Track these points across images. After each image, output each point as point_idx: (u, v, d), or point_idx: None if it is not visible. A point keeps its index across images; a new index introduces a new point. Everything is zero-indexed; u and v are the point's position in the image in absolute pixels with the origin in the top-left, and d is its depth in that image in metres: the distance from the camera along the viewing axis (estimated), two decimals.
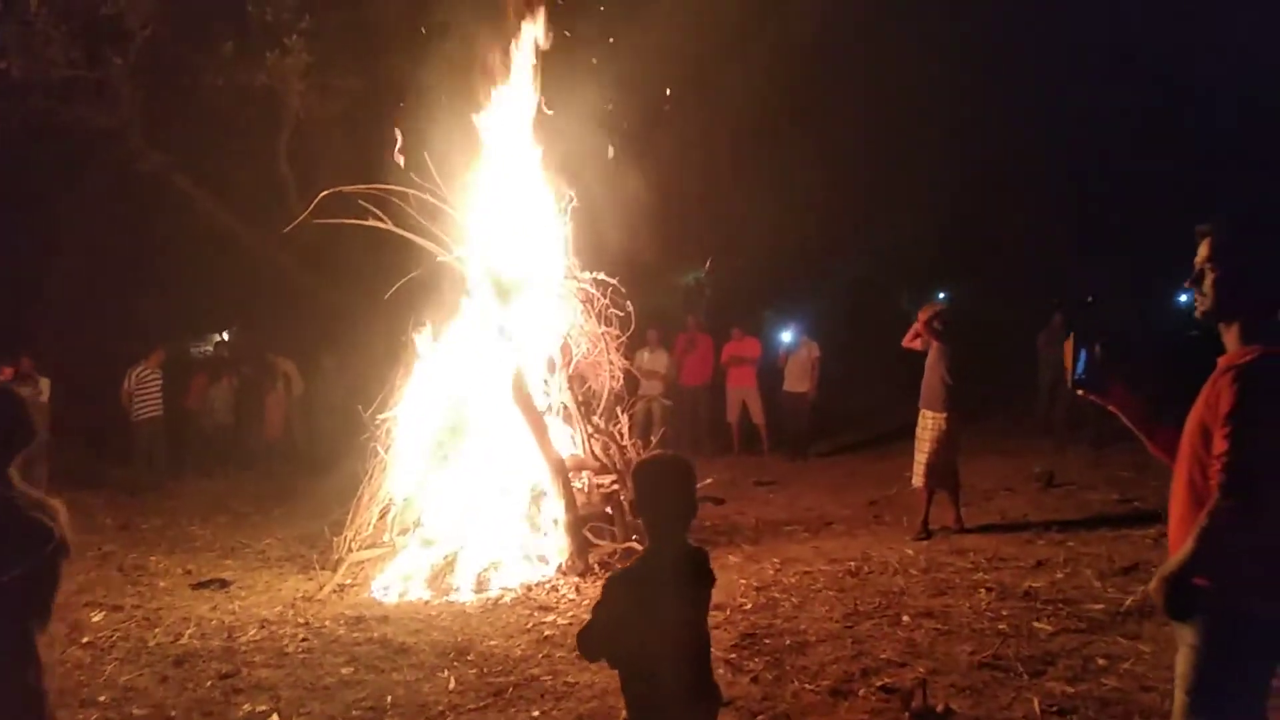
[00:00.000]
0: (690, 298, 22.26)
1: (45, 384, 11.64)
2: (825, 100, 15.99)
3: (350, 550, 6.90)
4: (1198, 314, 2.66)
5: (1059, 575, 6.04)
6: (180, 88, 12.69)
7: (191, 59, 12.36)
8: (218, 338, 23.82)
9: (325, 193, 7.51)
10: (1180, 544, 2.53)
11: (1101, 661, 4.52)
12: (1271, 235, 2.56)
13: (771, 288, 19.67)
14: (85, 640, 5.48)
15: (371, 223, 7.50)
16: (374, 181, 7.73)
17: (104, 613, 6.04)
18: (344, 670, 4.89)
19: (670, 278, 22.30)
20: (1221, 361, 2.58)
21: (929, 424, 7.46)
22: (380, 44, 12.13)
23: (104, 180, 14.07)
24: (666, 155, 13.22)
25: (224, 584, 6.79)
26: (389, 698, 4.49)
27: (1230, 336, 2.58)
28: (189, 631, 5.62)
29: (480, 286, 7.34)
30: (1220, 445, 2.42)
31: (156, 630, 5.68)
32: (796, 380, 12.22)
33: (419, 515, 6.95)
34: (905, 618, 5.34)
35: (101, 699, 4.57)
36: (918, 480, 7.54)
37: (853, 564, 6.57)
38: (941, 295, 26.08)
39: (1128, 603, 5.30)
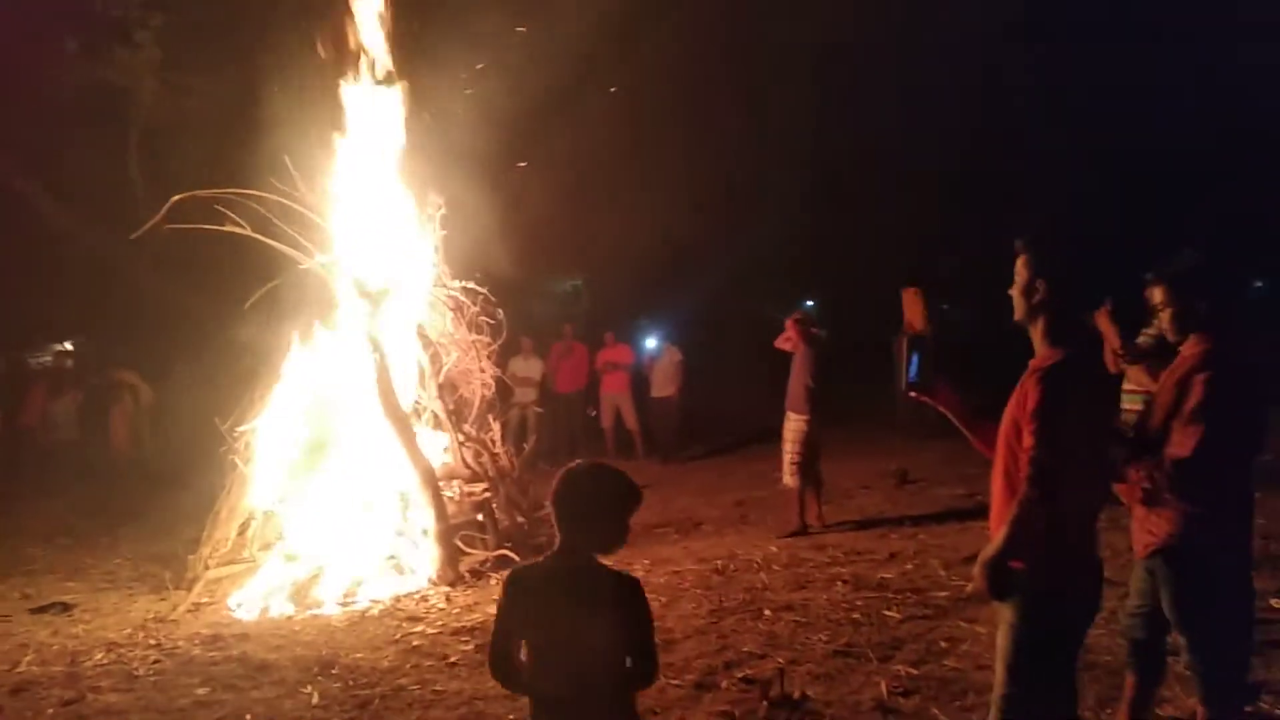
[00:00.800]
0: (567, 305, 22.38)
1: None
2: (693, 112, 16.41)
3: (207, 567, 6.63)
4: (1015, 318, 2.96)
5: (909, 566, 6.42)
6: (22, 85, 11.89)
7: (33, 55, 11.61)
8: (59, 348, 22.36)
9: (177, 197, 7.20)
10: (998, 530, 2.79)
11: (944, 644, 4.85)
12: (1068, 247, 2.88)
13: (645, 295, 19.99)
14: None
15: (229, 228, 7.23)
16: (231, 183, 7.48)
17: None
18: (199, 691, 4.72)
19: (547, 286, 22.39)
20: (1032, 363, 2.86)
21: (793, 425, 7.77)
22: (237, 43, 11.72)
23: None
24: (545, 165, 13.32)
25: (66, 607, 6.40)
26: (248, 716, 4.36)
27: (1036, 338, 2.87)
28: (27, 659, 5.29)
29: (345, 293, 7.19)
30: (1027, 441, 2.69)
31: None
32: (662, 385, 12.51)
33: (281, 529, 6.74)
34: (767, 611, 5.56)
35: None
36: (789, 480, 7.81)
37: (719, 562, 6.78)
38: (808, 303, 27.15)
39: (968, 589, 5.68)
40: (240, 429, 7.11)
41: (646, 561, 6.93)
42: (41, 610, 6.36)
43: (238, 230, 7.15)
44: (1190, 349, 3.34)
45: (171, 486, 11.33)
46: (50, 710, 4.52)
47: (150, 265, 13.33)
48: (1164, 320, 3.44)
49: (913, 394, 3.11)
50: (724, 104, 16.44)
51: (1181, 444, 3.08)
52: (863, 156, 17.99)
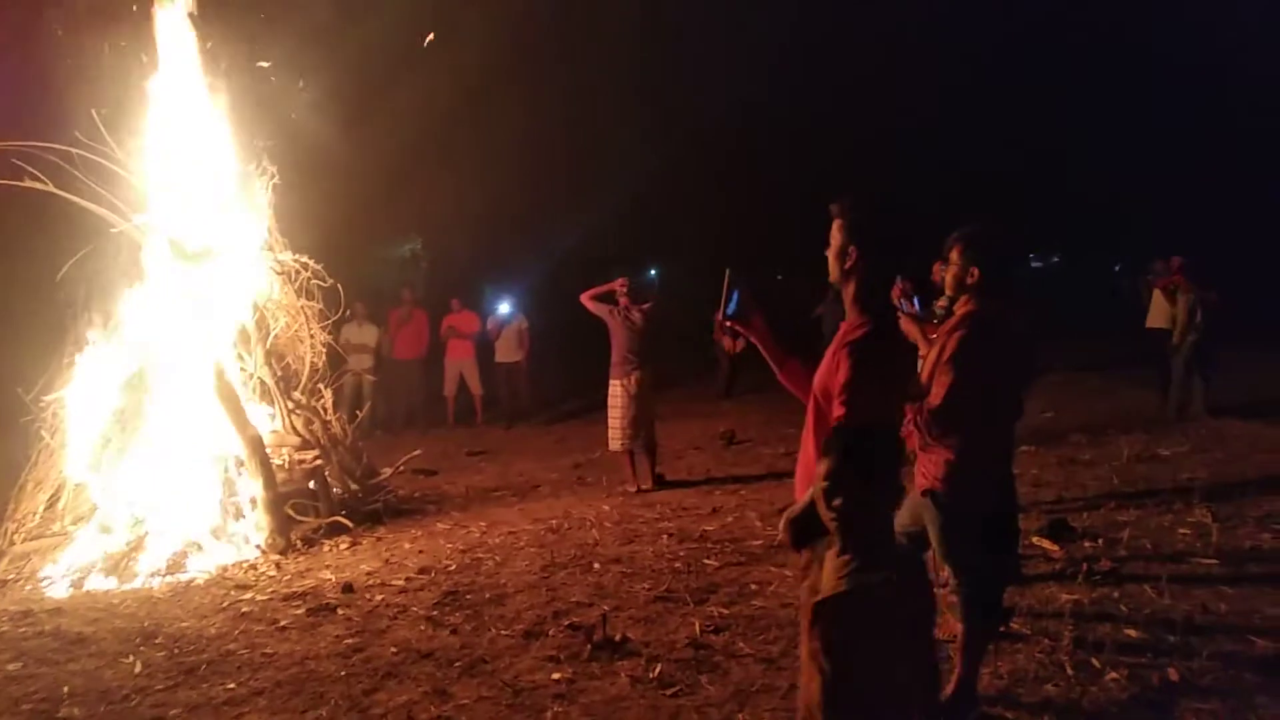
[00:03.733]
0: (406, 270, 21.90)
1: None
2: (537, 73, 16.37)
3: (13, 543, 6.29)
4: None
5: (729, 519, 6.90)
6: None
7: None
8: None
9: None
10: (805, 486, 3.03)
11: (754, 587, 5.30)
12: (883, 216, 3.06)
13: (490, 261, 19.90)
14: None
15: (29, 184, 6.78)
16: (32, 135, 6.98)
17: None
18: (10, 666, 4.55)
19: (384, 250, 21.83)
20: (842, 328, 2.99)
21: (618, 390, 8.02)
22: None
23: None
24: (381, 126, 12.98)
25: None
26: (65, 688, 4.26)
27: (847, 302, 2.97)
28: None
29: (162, 254, 6.90)
30: (838, 411, 2.91)
31: None
32: (508, 351, 12.62)
33: (95, 501, 6.47)
34: (596, 565, 5.87)
35: None
36: (618, 444, 8.08)
37: (554, 522, 7.04)
38: (653, 272, 27.64)
39: (779, 539, 6.19)
40: (46, 398, 6.74)
41: (483, 524, 7.11)
42: None
43: (39, 187, 6.71)
44: (960, 309, 3.80)
45: None
46: None
47: None
48: (946, 279, 3.87)
49: (729, 323, 3.27)
50: (562, 68, 16.48)
51: (935, 393, 3.53)
52: (706, 125, 18.50)
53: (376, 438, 11.11)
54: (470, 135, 15.53)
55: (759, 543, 6.21)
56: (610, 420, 8.05)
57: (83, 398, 6.69)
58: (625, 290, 8.05)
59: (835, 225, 2.96)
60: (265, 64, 7.30)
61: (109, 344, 6.81)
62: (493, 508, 7.86)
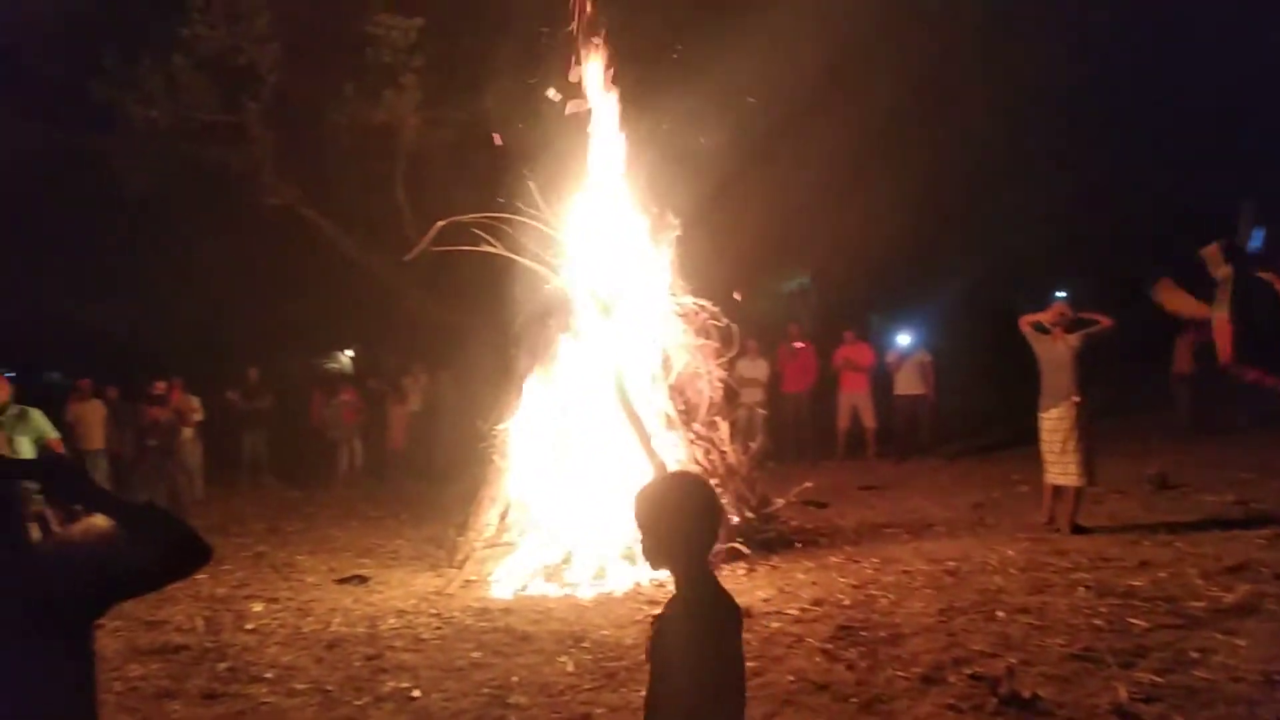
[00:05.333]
0: (794, 304, 22.39)
1: (196, 402, 12.86)
2: (937, 99, 15.88)
3: (474, 550, 7.47)
4: None
5: (1162, 575, 6.07)
6: (306, 127, 13.74)
7: (316, 100, 13.39)
8: (344, 355, 25.45)
9: (441, 223, 8.18)
10: None
11: (1195, 655, 4.62)
12: None
13: (879, 292, 19.61)
14: (249, 627, 6.20)
15: (483, 249, 8.10)
16: (482, 206, 8.36)
17: (263, 604, 6.78)
18: (474, 654, 5.42)
19: (773, 284, 22.47)
20: None
21: (1048, 423, 7.51)
22: (484, 76, 12.84)
23: (237, 213, 15.33)
24: (777, 164, 13.54)
25: (363, 579, 7.47)
26: (514, 678, 4.98)
27: None
28: (336, 620, 6.28)
29: (585, 305, 7.85)
30: None
31: (308, 619, 6.36)
32: (911, 384, 12.35)
33: (535, 517, 7.46)
34: (1000, 613, 5.51)
35: (268, 675, 5.23)
36: (1079, 479, 7.49)
37: (952, 563, 6.73)
38: (1059, 295, 25.32)
39: (1229, 600, 5.34)
40: (496, 428, 7.95)
41: (876, 560, 7.01)
42: (344, 581, 7.46)
43: (491, 250, 8.00)
44: None
45: (438, 479, 12.75)
46: (357, 662, 5.38)
47: (415, 283, 14.91)
48: None
49: (1259, 270, 2.84)
50: (971, 94, 15.75)
51: None
52: (1112, 142, 16.68)
53: (768, 469, 11.45)
54: (869, 166, 15.46)
55: (1201, 604, 5.39)
56: (1043, 452, 7.61)
57: (524, 427, 7.79)
58: (1058, 318, 7.57)
59: None
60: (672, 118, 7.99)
61: (544, 382, 7.86)
62: (885, 544, 7.72)
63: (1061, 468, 7.53)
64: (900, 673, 4.70)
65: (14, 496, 2.00)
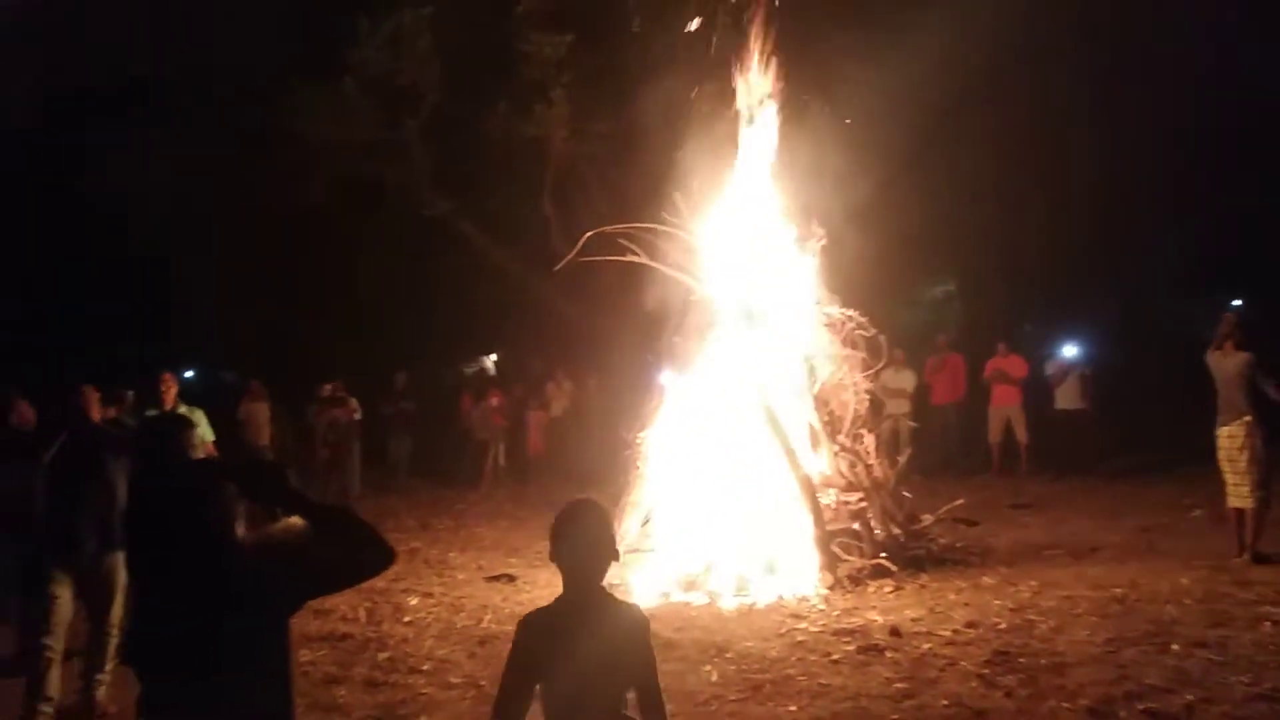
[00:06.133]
0: (939, 312, 21.62)
1: (354, 404, 13.61)
2: (1098, 106, 15.05)
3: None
4: None
5: None
6: (463, 142, 14.35)
7: (470, 116, 13.96)
8: (488, 360, 26.40)
9: (590, 233, 8.35)
10: None
11: None
12: None
13: (1030, 302, 18.71)
14: (407, 620, 6.51)
15: (629, 258, 8.22)
16: (626, 216, 8.49)
17: (418, 598, 7.10)
18: None
19: (916, 291, 21.78)
20: None
21: (1222, 441, 7.05)
22: (630, 88, 13.05)
23: (398, 222, 16.16)
24: (922, 172, 13.18)
25: (511, 578, 7.71)
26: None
27: None
28: (487, 617, 6.51)
29: (730, 315, 7.85)
30: None
31: (460, 614, 6.62)
32: (1072, 398, 11.77)
33: (676, 526, 7.50)
34: (1175, 646, 5.16)
35: (425, 668, 5.47)
36: (1252, 501, 7.04)
37: (1119, 591, 6.36)
38: (1235, 303, 23.45)
39: None
40: (639, 436, 8.04)
41: (1033, 583, 6.69)
42: (494, 579, 7.73)
43: (637, 260, 8.11)
44: None
45: (581, 483, 13.00)
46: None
47: (560, 290, 15.30)
48: None
49: None
50: (1136, 101, 14.81)
51: None
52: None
53: (913, 482, 11.10)
54: (1023, 174, 14.78)
55: None
56: (1222, 473, 7.17)
57: (667, 436, 7.85)
58: (1229, 330, 7.09)
59: None
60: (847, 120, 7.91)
61: (688, 391, 7.90)
62: (1043, 567, 7.34)
63: (1236, 489, 7.07)
64: (1065, 704, 4.46)
65: (224, 496, 2.19)
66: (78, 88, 14.40)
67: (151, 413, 5.88)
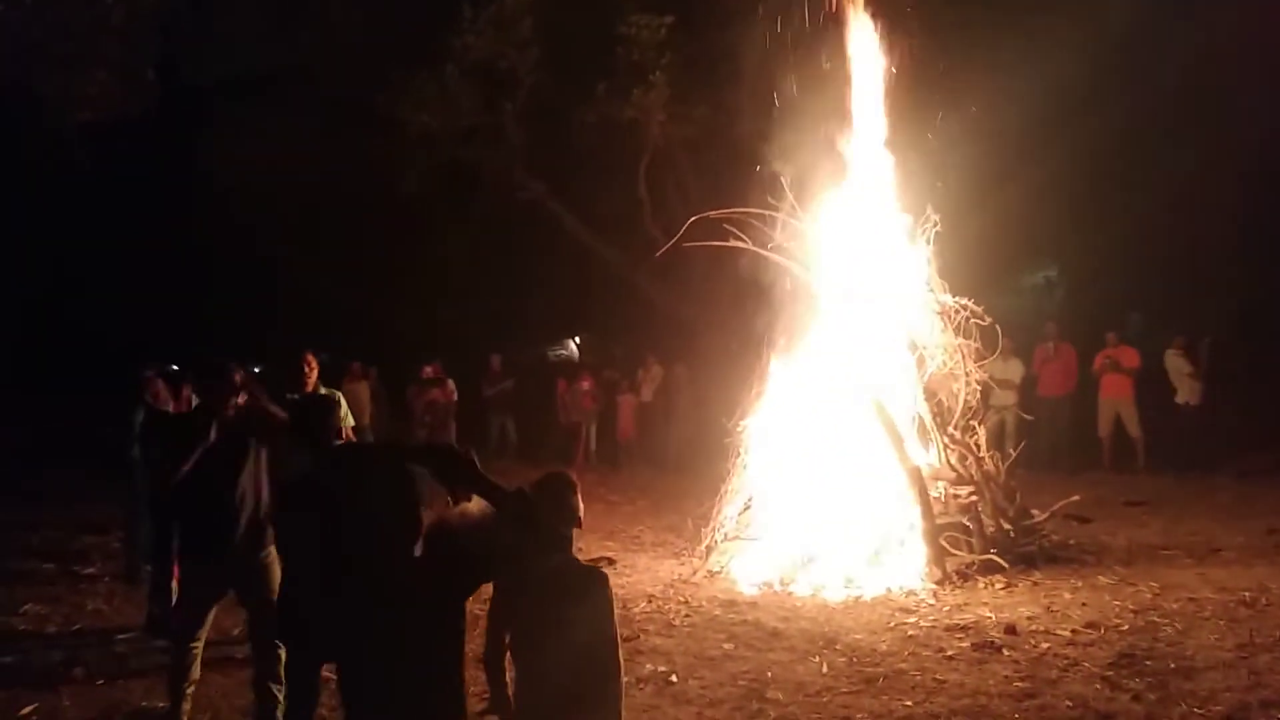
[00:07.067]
0: (1039, 298, 20.87)
1: (452, 385, 13.93)
2: (1210, 96, 14.27)
3: (716, 541, 7.57)
4: None
5: None
6: (557, 125, 14.43)
7: (566, 99, 14.02)
8: (571, 343, 26.64)
9: (694, 218, 8.29)
10: None
11: None
12: None
13: (1139, 291, 17.91)
14: None
15: (731, 244, 8.14)
16: (718, 200, 8.39)
17: None
18: (725, 646, 5.50)
19: (1017, 278, 21.06)
20: None
21: None
22: (729, 72, 12.89)
23: (489, 206, 16.37)
24: (1033, 153, 12.74)
25: (611, 562, 7.77)
26: (769, 673, 5.00)
27: None
28: None
29: (834, 301, 7.72)
30: None
31: None
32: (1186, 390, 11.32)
33: (779, 514, 7.44)
34: None
35: None
36: None
37: (1247, 594, 6.08)
38: None
39: None
40: (739, 423, 7.98)
41: (1154, 584, 6.44)
42: (594, 562, 7.78)
43: (741, 245, 8.02)
44: None
45: (671, 469, 13.05)
46: None
47: (650, 275, 15.30)
48: None
49: None
50: (1244, 92, 13.98)
51: None
52: None
53: (1020, 476, 10.77)
54: (1131, 163, 14.14)
55: None
56: None
57: (769, 424, 7.78)
58: None
59: None
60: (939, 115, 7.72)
61: (790, 379, 7.81)
62: (1162, 568, 7.04)
63: None
64: (1197, 709, 4.30)
65: (414, 479, 2.26)
66: (193, 78, 14.97)
67: (293, 396, 5.59)
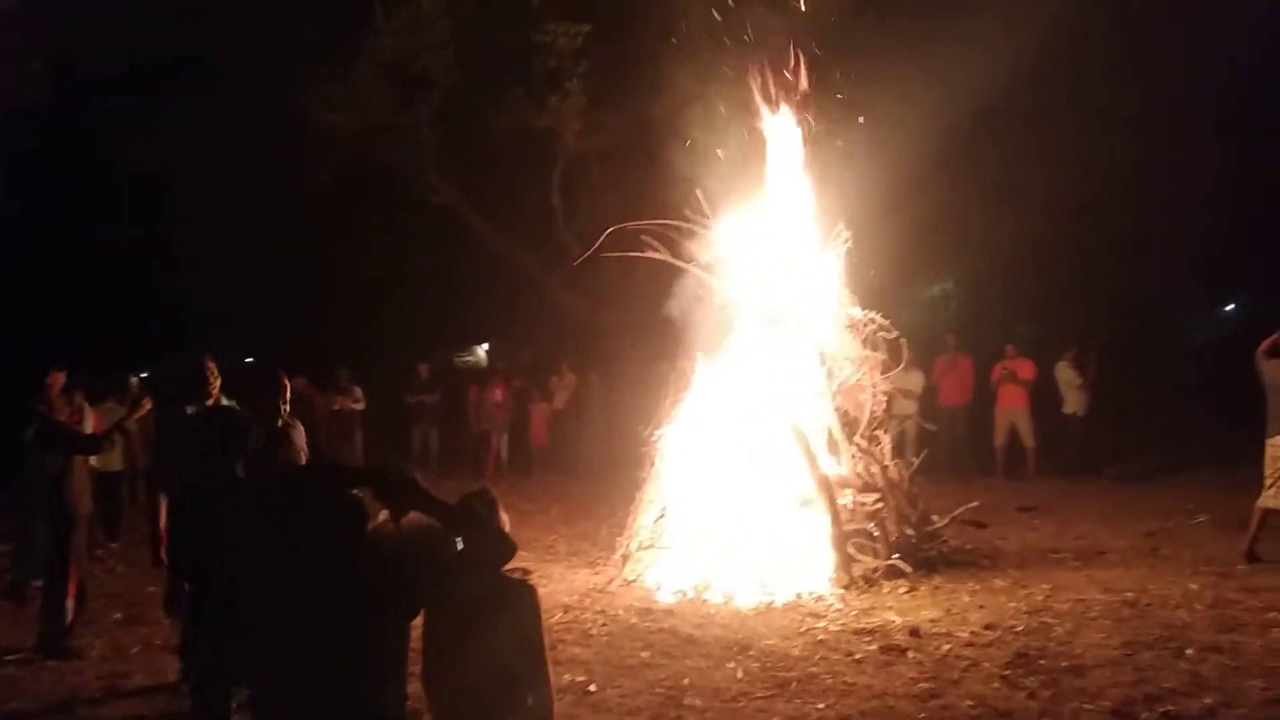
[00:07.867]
0: (935, 311, 21.67)
1: (358, 393, 13.68)
2: (1092, 106, 15.15)
3: (631, 550, 7.63)
4: None
5: None
6: (472, 129, 14.29)
7: (481, 104, 13.90)
8: (479, 350, 26.36)
9: (611, 229, 8.36)
10: None
11: None
12: None
13: (1024, 302, 18.80)
14: None
15: (647, 255, 8.24)
16: (632, 211, 8.49)
17: None
18: (643, 654, 5.57)
19: (914, 290, 21.82)
20: None
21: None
22: (648, 82, 13.00)
23: (399, 211, 16.09)
24: (932, 167, 13.24)
25: (526, 572, 7.66)
26: (686, 680, 5.09)
27: None
28: None
29: (748, 314, 7.90)
30: None
31: None
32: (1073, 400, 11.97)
33: (692, 523, 7.55)
34: (1189, 651, 5.27)
35: None
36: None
37: (1130, 595, 6.46)
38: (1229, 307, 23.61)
39: None
40: (654, 432, 8.07)
41: (1046, 586, 6.78)
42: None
43: (658, 256, 8.13)
44: None
45: (584, 477, 13.07)
46: None
47: (562, 283, 15.30)
48: None
49: None
50: (1121, 98, 14.90)
51: None
52: None
53: (919, 484, 11.18)
54: (1021, 172, 14.84)
55: None
56: (1265, 476, 7.32)
57: (683, 433, 7.90)
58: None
59: None
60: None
61: (705, 389, 7.94)
62: (1053, 570, 7.44)
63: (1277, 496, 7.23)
64: (1087, 705, 4.56)
65: (357, 503, 2.24)
66: (86, 69, 14.26)
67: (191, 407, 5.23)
